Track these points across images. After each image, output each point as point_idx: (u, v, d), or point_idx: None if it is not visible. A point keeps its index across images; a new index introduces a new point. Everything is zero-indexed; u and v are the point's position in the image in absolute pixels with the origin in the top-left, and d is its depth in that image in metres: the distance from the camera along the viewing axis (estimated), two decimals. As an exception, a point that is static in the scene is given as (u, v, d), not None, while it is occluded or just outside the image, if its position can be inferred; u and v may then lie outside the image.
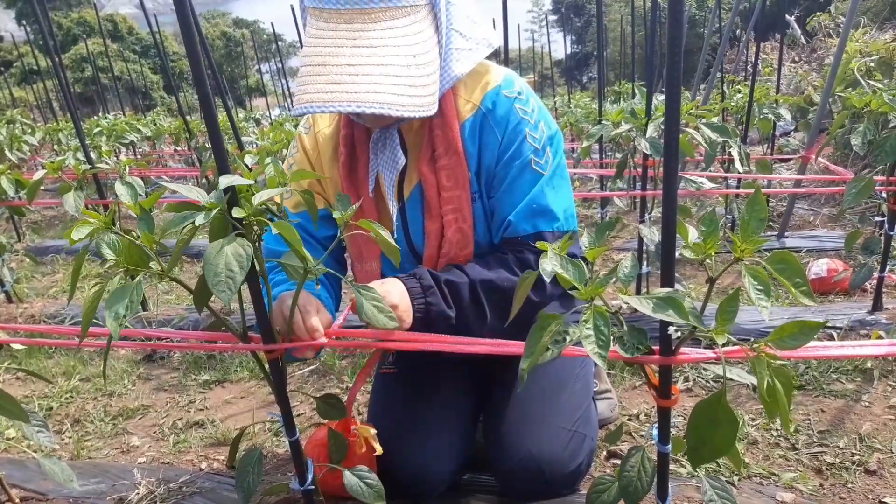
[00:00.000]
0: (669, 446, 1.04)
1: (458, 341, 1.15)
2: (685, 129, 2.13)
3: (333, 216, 1.15)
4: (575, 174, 5.94)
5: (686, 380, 2.06)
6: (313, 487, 1.28)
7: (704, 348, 0.98)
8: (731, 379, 0.86)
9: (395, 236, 1.47)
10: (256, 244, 1.03)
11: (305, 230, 1.49)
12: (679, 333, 0.93)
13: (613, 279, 0.94)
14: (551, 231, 1.39)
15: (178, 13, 0.87)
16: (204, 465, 1.82)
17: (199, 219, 0.98)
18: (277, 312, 1.21)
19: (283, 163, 1.91)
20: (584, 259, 1.01)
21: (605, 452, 1.73)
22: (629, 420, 1.88)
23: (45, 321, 2.89)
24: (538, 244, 0.99)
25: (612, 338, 0.82)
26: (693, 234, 0.85)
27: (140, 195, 1.25)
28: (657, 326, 0.92)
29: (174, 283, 1.27)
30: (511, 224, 1.39)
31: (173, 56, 27.19)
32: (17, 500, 1.60)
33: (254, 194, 1.01)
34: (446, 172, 1.38)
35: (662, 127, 2.12)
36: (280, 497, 1.52)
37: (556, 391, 1.54)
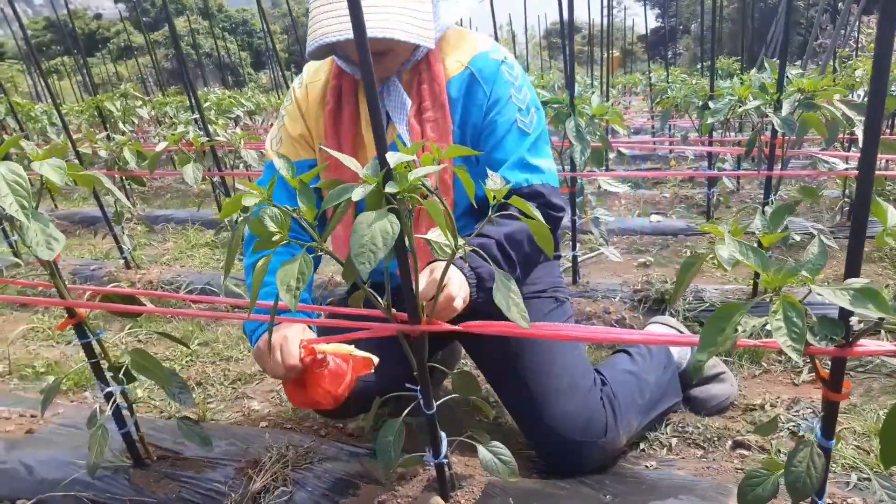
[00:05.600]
0: (833, 442, 1.00)
1: (573, 329, 1.13)
2: (820, 106, 2.01)
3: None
4: (685, 151, 5.74)
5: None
6: (447, 460, 1.30)
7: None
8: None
9: None
10: (408, 220, 1.03)
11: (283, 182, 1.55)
12: (862, 325, 0.88)
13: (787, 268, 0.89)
14: (541, 184, 1.51)
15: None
16: (323, 433, 1.87)
17: (357, 193, 0.99)
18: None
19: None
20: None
21: (730, 442, 1.67)
22: (752, 411, 1.80)
23: (162, 287, 3.02)
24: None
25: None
26: (893, 217, 0.79)
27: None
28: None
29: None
30: (505, 180, 1.44)
31: (259, 34, 27.85)
32: (155, 458, 1.68)
33: (410, 171, 1.01)
34: (431, 125, 1.49)
35: (796, 103, 2.01)
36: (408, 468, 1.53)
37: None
